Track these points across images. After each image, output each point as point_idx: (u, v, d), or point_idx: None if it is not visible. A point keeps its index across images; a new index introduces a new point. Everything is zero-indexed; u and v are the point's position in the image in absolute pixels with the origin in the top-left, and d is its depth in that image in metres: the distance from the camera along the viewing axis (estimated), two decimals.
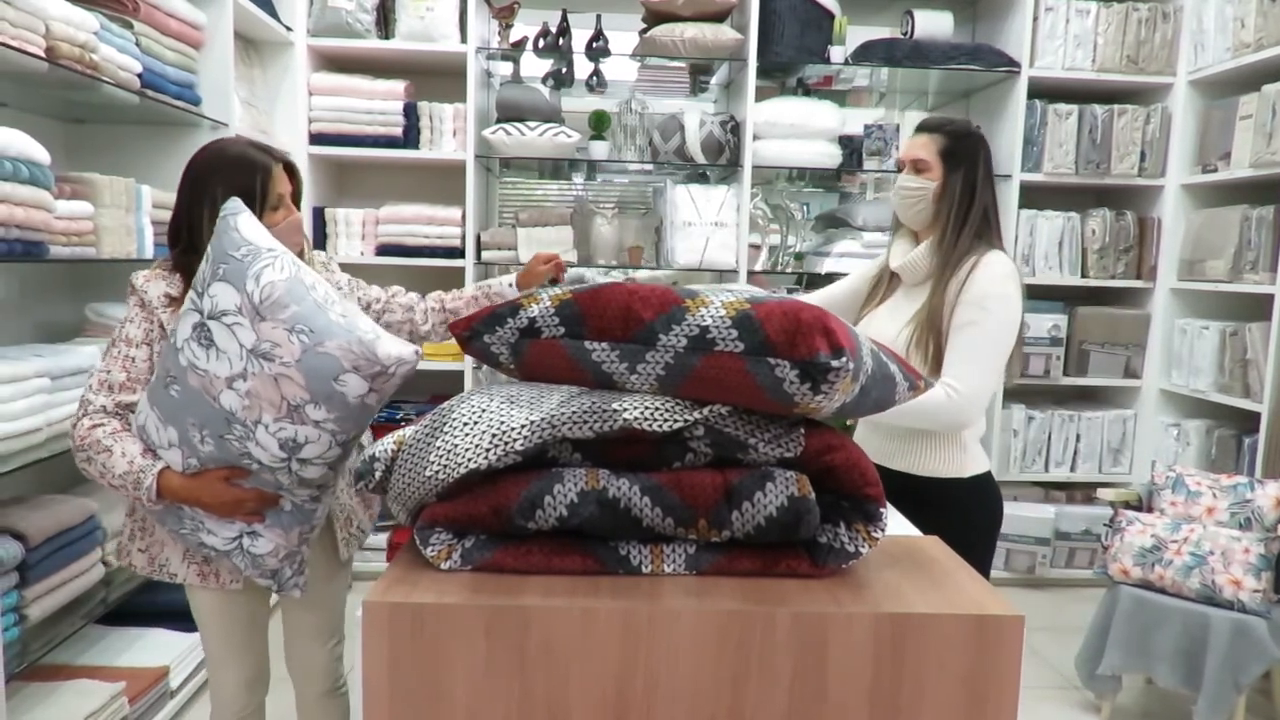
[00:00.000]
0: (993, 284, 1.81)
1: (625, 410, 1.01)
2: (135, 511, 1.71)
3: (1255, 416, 3.20)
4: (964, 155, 1.87)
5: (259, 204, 1.60)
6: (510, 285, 2.03)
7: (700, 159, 3.61)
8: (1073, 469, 3.95)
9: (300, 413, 1.40)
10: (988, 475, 1.94)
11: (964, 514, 1.84)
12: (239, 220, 1.44)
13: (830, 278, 3.93)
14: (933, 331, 1.83)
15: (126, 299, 1.65)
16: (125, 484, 1.52)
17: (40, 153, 2.07)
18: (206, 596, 1.72)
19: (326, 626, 1.89)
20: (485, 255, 3.68)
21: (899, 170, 1.96)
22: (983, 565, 1.91)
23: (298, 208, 1.75)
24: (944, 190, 1.88)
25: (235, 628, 1.76)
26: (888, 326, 1.91)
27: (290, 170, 1.73)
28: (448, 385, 3.72)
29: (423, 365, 1.53)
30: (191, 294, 1.44)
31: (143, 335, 1.61)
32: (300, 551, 1.64)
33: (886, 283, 2.02)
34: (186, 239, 1.62)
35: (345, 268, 1.97)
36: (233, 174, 1.60)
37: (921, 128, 1.94)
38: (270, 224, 1.59)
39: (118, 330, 1.63)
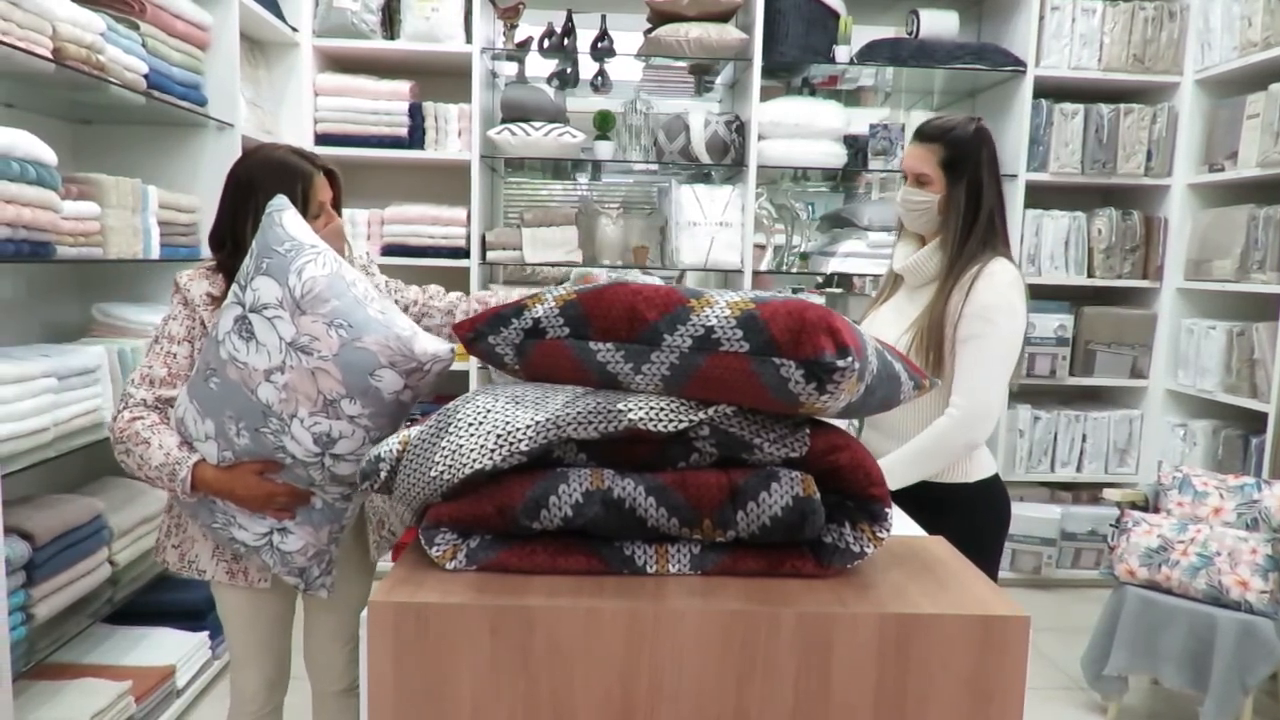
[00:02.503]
0: (996, 294, 1.79)
1: (630, 410, 1.01)
2: (172, 509, 1.74)
3: (1262, 417, 3.19)
4: (966, 163, 1.84)
5: (300, 211, 1.61)
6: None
7: (705, 159, 3.61)
8: (1079, 469, 3.94)
9: (335, 407, 1.41)
10: (995, 479, 1.93)
11: (972, 518, 1.82)
12: (284, 217, 1.47)
13: (835, 278, 3.95)
14: (934, 339, 1.82)
15: (170, 298, 1.69)
16: (161, 475, 1.55)
17: (47, 153, 2.07)
18: (234, 595, 1.74)
19: (346, 627, 1.90)
20: (490, 255, 3.68)
21: (903, 177, 1.94)
22: (990, 569, 1.90)
23: (339, 214, 1.77)
24: (949, 201, 1.86)
25: (260, 627, 1.77)
26: (890, 327, 1.90)
27: (331, 177, 1.75)
28: (453, 385, 3.71)
29: None
30: (235, 288, 1.46)
31: (185, 332, 1.65)
32: (329, 550, 1.64)
33: (891, 282, 2.02)
34: (231, 244, 1.66)
35: None
36: (275, 181, 1.63)
37: (921, 136, 1.89)
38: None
39: (160, 327, 1.67)
